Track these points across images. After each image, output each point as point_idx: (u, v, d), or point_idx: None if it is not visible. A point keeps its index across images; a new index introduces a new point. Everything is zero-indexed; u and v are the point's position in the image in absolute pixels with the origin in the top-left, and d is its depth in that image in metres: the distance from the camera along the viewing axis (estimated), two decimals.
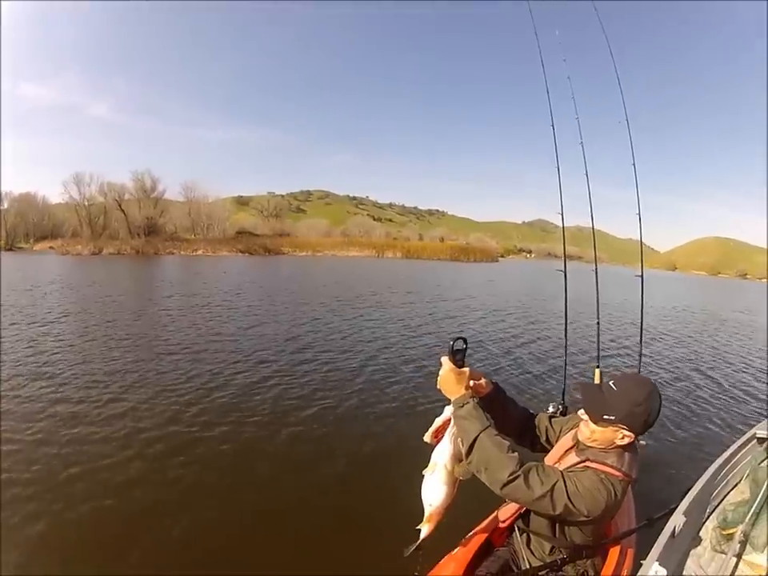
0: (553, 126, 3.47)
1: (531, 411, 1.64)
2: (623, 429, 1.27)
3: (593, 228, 3.67)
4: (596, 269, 3.45)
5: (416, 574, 1.40)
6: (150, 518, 2.80)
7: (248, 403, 4.73)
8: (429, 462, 1.39)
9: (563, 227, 3.56)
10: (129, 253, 38.53)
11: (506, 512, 1.55)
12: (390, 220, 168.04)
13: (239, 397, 4.91)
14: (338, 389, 5.34)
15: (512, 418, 1.55)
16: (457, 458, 1.35)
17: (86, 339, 7.31)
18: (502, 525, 1.60)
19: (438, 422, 1.44)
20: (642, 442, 3.26)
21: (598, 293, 3.34)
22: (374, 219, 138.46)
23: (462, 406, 1.31)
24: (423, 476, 1.39)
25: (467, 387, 1.36)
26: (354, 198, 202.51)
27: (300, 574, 2.38)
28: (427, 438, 1.46)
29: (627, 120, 3.65)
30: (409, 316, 11.17)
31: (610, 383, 1.32)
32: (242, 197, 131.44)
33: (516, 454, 1.24)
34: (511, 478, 1.19)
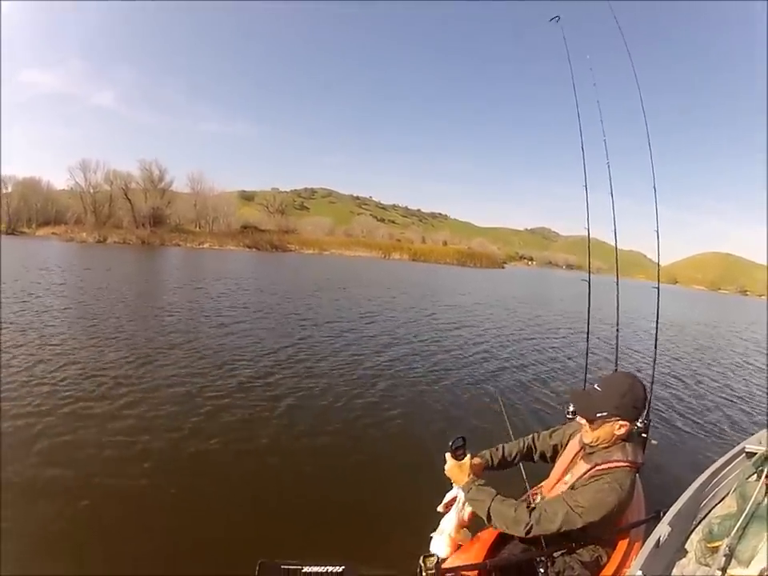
0: (582, 148, 3.71)
1: (527, 439, 1.92)
2: (618, 420, 1.48)
3: (615, 243, 3.92)
4: (617, 280, 3.72)
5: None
6: (153, 510, 2.84)
7: (259, 394, 4.92)
8: (437, 526, 1.74)
9: (588, 241, 3.80)
10: (134, 242, 38.66)
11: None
12: (393, 221, 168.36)
13: (247, 387, 5.09)
14: (366, 386, 5.54)
15: (513, 458, 1.88)
16: (460, 526, 1.70)
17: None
18: None
19: (449, 496, 1.78)
20: (653, 441, 3.54)
21: (618, 302, 3.61)
22: (377, 220, 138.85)
23: (469, 491, 1.61)
24: (431, 537, 1.72)
25: (469, 474, 1.65)
26: (358, 198, 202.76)
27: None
28: (440, 508, 1.80)
29: (650, 145, 3.90)
30: (450, 321, 11.48)
31: (595, 386, 1.55)
32: (245, 191, 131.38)
33: (524, 505, 1.49)
34: (527, 528, 1.44)
